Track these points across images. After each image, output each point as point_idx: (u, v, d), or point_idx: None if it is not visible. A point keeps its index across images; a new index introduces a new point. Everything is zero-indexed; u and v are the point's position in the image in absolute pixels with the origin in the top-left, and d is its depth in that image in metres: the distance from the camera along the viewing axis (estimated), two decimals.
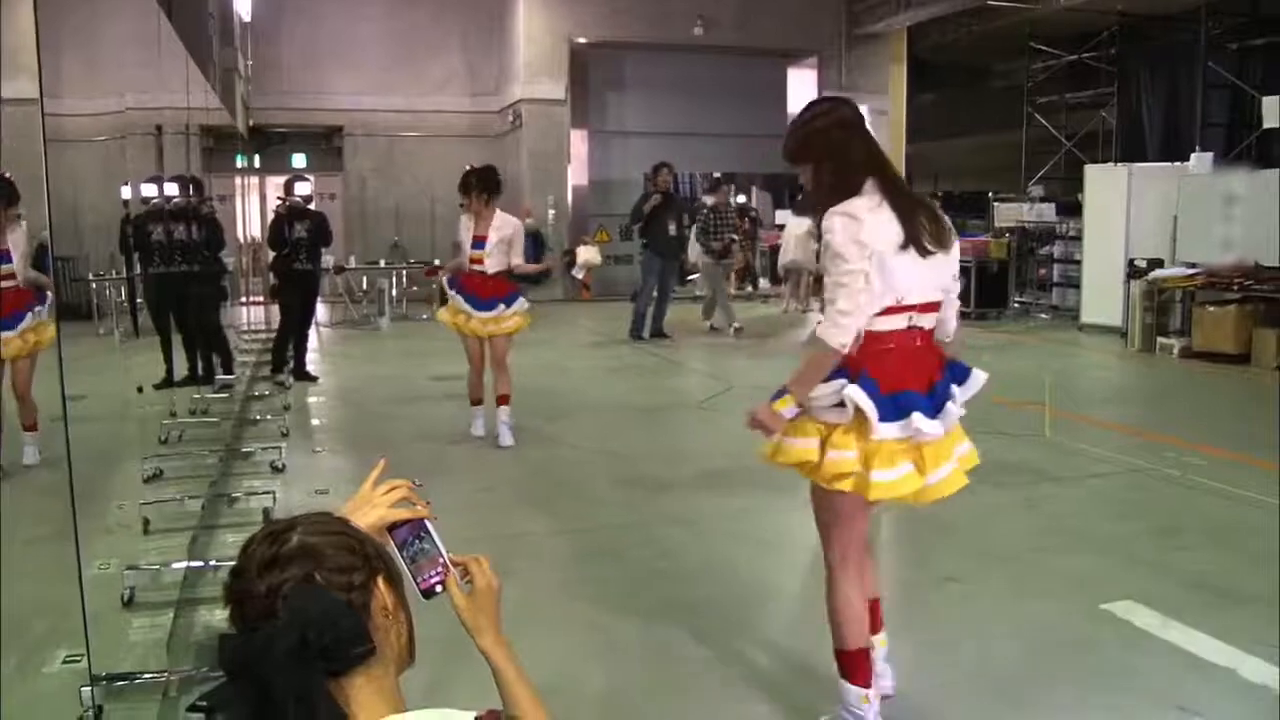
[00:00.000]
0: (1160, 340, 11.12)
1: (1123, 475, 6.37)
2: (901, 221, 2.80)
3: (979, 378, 3.00)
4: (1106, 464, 6.59)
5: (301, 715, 1.18)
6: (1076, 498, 5.91)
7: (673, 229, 12.47)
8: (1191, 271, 11.13)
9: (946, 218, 2.99)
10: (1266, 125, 11.13)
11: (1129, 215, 11.71)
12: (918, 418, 2.77)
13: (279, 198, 10.22)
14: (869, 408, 2.76)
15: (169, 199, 8.17)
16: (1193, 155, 11.53)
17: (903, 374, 2.83)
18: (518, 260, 7.05)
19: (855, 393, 2.77)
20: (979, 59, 21.22)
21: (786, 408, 2.81)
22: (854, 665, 2.95)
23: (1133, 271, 11.65)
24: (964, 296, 13.74)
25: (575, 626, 4.07)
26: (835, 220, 2.77)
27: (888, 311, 2.82)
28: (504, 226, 7.03)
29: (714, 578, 4.61)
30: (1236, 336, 10.58)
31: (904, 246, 2.79)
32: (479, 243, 7.02)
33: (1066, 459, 6.68)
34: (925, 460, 2.87)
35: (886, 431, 2.78)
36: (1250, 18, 12.83)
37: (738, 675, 3.61)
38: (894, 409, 2.78)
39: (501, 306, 6.96)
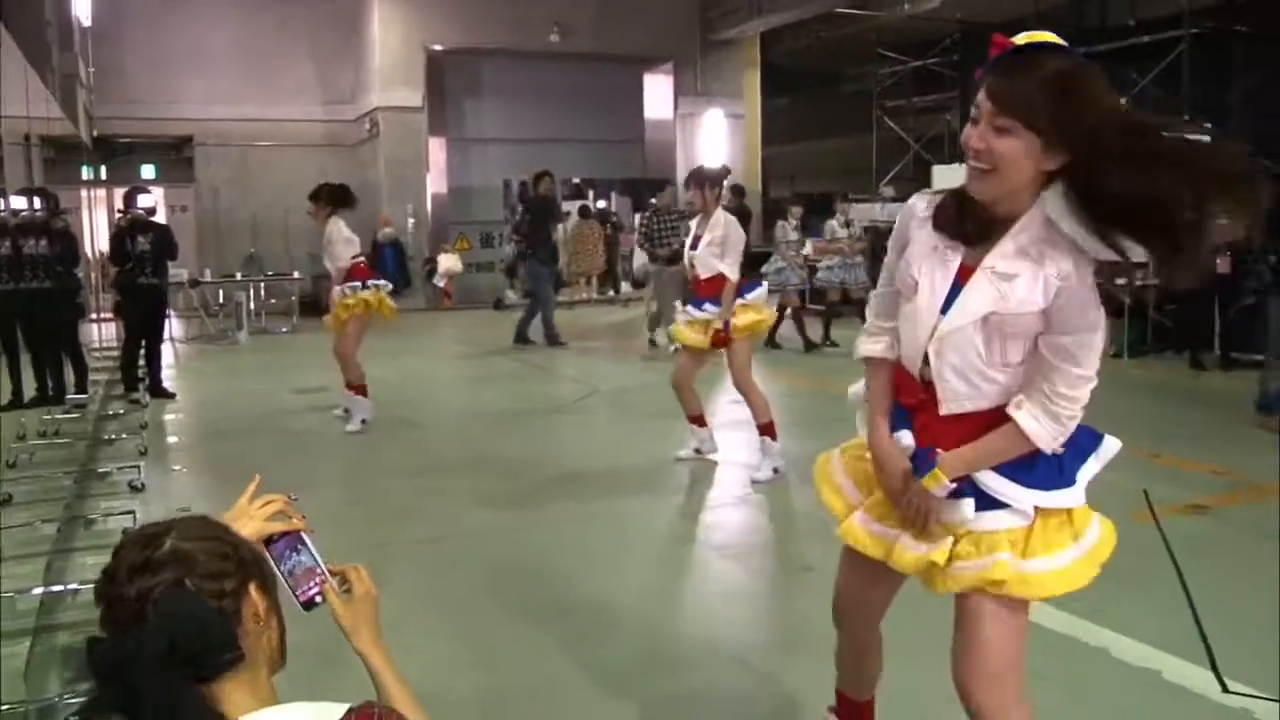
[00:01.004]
0: None
1: None
2: None
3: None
4: None
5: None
6: None
7: (556, 235, 12.80)
8: None
9: None
10: None
11: None
12: None
13: (119, 210, 9.91)
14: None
15: (16, 212, 7.88)
16: None
17: None
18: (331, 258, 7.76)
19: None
20: (830, 64, 21.87)
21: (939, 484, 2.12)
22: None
23: None
24: (819, 295, 14.24)
25: (448, 633, 4.11)
26: (1089, 277, 2.01)
27: None
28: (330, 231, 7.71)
29: (583, 579, 4.69)
30: None
31: None
32: None
33: None
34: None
35: None
36: (1075, 28, 13.58)
37: (609, 674, 3.70)
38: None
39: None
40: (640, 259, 13.48)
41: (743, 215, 14.97)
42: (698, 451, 6.61)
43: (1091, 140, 1.87)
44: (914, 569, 2.19)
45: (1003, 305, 1.99)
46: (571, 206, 19.95)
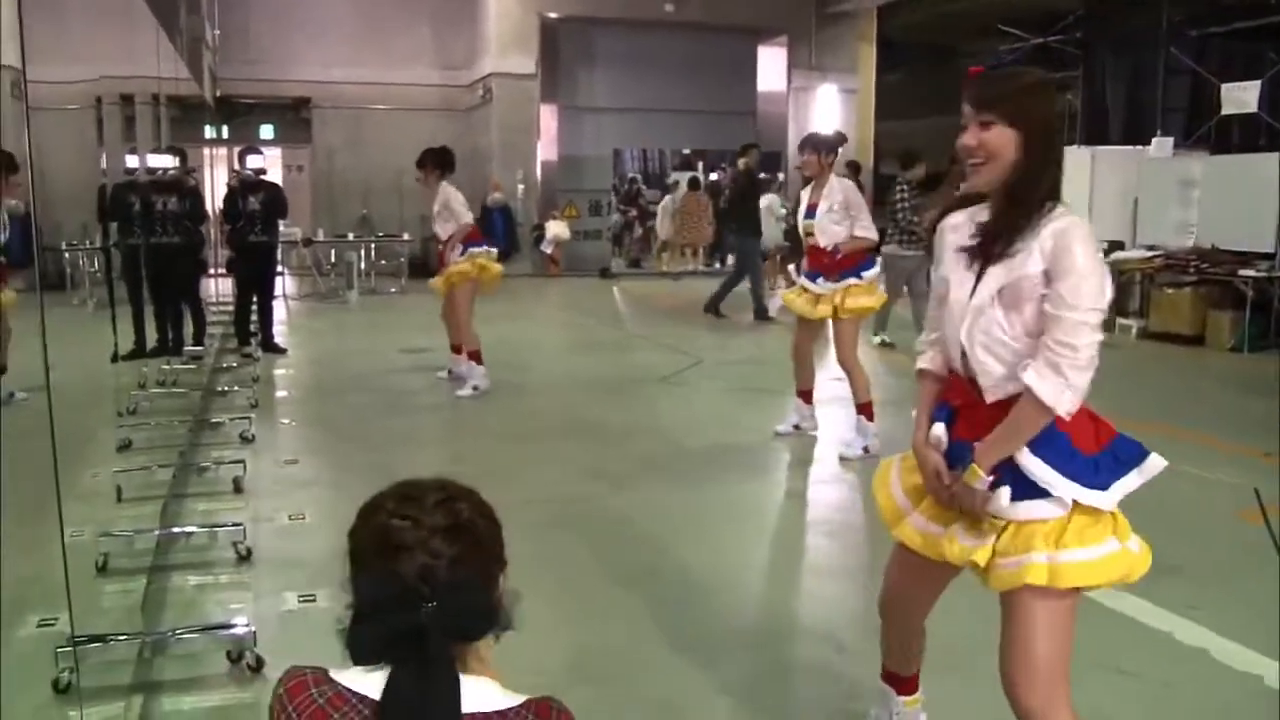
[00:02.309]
0: (1120, 321, 11.32)
1: None
2: None
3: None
4: None
5: (443, 676, 1.30)
6: None
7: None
8: (1150, 254, 11.34)
9: None
10: (1225, 111, 11.34)
11: (1092, 197, 11.90)
12: None
13: (232, 170, 10.21)
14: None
15: (152, 170, 8.18)
16: (1153, 139, 11.73)
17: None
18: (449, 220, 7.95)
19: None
20: (948, 40, 21.36)
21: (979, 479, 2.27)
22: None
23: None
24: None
25: (542, 592, 4.19)
26: (1080, 233, 2.22)
27: None
28: (441, 195, 7.92)
29: (674, 548, 4.74)
30: (1192, 318, 10.82)
31: None
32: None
33: None
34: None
35: None
36: (1210, 5, 13.05)
37: (695, 641, 3.74)
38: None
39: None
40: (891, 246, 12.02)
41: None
42: (797, 427, 6.58)
43: (1047, 131, 2.29)
44: (960, 561, 2.33)
45: (1009, 275, 2.24)
46: (681, 177, 19.97)
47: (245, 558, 4.41)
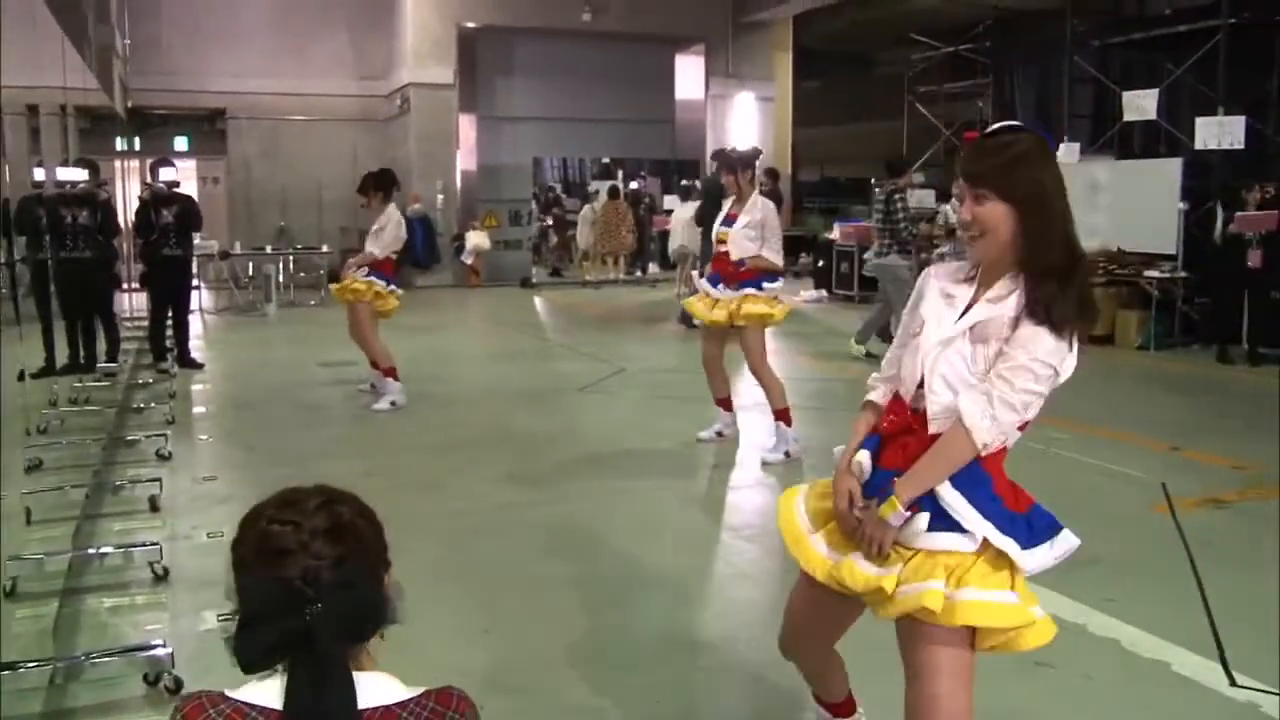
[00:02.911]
0: None
1: None
2: None
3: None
4: None
5: (337, 675, 1.30)
6: None
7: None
8: None
9: None
10: (1126, 118, 11.69)
11: None
12: None
13: (144, 183, 10.00)
14: None
15: (62, 183, 7.98)
16: (1061, 145, 12.03)
17: None
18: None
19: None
20: (862, 49, 21.72)
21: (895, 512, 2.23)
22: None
23: None
24: (847, 280, 14.21)
25: (465, 603, 4.18)
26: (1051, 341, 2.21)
27: None
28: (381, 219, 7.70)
29: (600, 556, 4.75)
30: (1102, 318, 11.12)
31: None
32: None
33: None
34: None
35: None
36: (1112, 16, 13.45)
37: (622, 649, 3.75)
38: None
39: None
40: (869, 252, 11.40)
41: (774, 199, 14.96)
42: (719, 434, 6.63)
43: (1041, 199, 2.23)
44: (863, 587, 2.25)
45: (987, 314, 2.23)
46: (601, 186, 20.01)
47: (162, 577, 4.32)
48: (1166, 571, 4.41)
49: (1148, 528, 5.04)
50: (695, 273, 6.62)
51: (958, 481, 2.20)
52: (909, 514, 2.19)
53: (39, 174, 8.90)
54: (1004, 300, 2.23)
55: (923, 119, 17.72)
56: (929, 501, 2.20)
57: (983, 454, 2.19)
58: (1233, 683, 3.38)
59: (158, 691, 3.35)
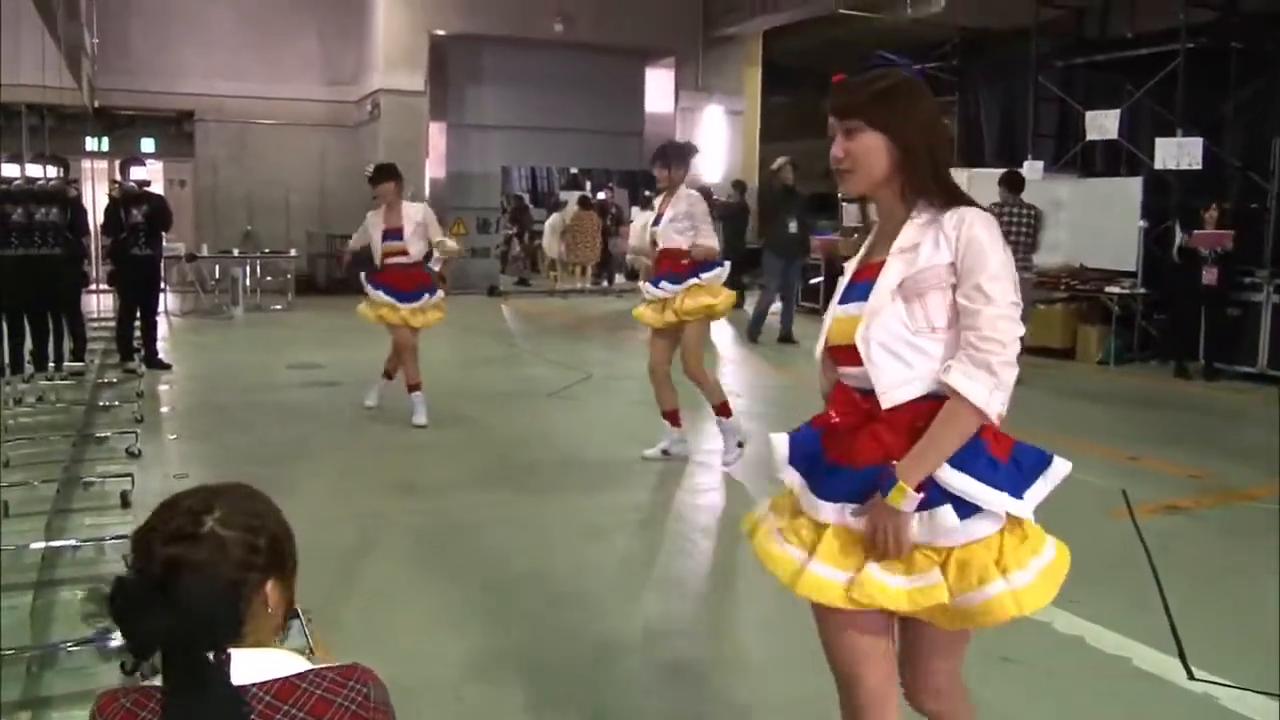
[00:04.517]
0: None
1: None
2: None
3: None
4: None
5: (203, 668, 1.33)
6: None
7: (793, 227, 11.88)
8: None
9: None
10: (1089, 137, 11.91)
11: None
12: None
13: (113, 181, 9.96)
14: None
15: (31, 180, 7.94)
16: (1025, 163, 12.22)
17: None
18: (438, 236, 7.34)
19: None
20: (831, 65, 21.80)
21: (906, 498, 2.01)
22: None
23: None
24: (813, 294, 14.33)
25: (431, 599, 4.23)
26: (984, 220, 2.08)
27: None
28: (416, 214, 7.26)
29: (563, 554, 4.81)
30: (1063, 332, 11.33)
31: None
32: (392, 235, 7.17)
33: None
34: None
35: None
36: (1075, 38, 13.69)
37: (586, 646, 3.81)
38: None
39: (426, 296, 7.25)
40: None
41: (740, 211, 15.10)
42: (665, 452, 6.40)
43: (915, 129, 2.13)
44: (904, 604, 2.03)
45: (910, 269, 2.08)
46: (570, 196, 20.07)
47: None
48: (1127, 574, 4.52)
49: (1109, 532, 5.16)
50: (642, 283, 6.48)
51: (956, 461, 2.02)
52: (920, 496, 1.99)
53: (6, 170, 8.86)
54: (928, 249, 2.07)
55: None
56: (936, 492, 2.01)
57: (996, 423, 2.04)
58: (1191, 676, 3.50)
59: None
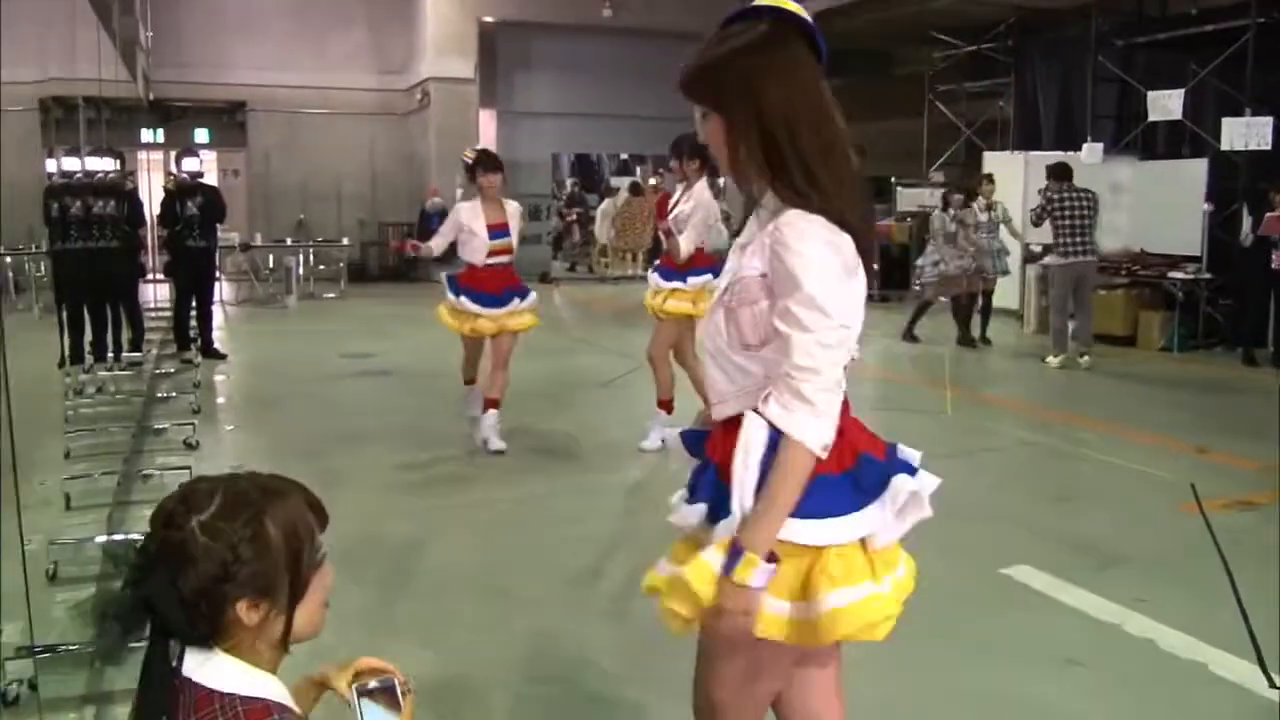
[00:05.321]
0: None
1: (1018, 449, 6.69)
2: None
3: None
4: (1003, 439, 6.91)
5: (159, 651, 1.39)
6: (974, 470, 6.17)
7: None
8: None
9: None
10: (1151, 118, 11.62)
11: (1025, 201, 12.10)
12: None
13: (169, 173, 10.05)
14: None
15: (91, 173, 8.02)
16: (1084, 145, 11.97)
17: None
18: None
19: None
20: (882, 47, 21.64)
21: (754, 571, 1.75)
22: None
23: (1029, 256, 12.10)
24: (868, 279, 14.20)
25: (487, 587, 4.22)
26: (800, 231, 1.80)
27: None
28: (515, 210, 6.50)
29: (617, 546, 4.77)
30: (1124, 319, 11.09)
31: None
32: (499, 232, 6.32)
33: (965, 434, 6.97)
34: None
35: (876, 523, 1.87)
36: (1135, 16, 13.36)
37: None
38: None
39: (516, 300, 6.35)
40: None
41: None
42: (664, 443, 6.12)
43: (745, 101, 1.85)
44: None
45: (734, 275, 1.86)
46: (621, 182, 20.00)
47: None
48: (1197, 572, 4.39)
49: (1176, 528, 5.03)
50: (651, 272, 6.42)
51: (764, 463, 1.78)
52: (773, 566, 1.74)
53: (67, 164, 8.97)
54: (751, 251, 1.83)
55: (943, 118, 17.65)
56: (710, 489, 1.85)
57: (824, 456, 1.76)
58: (1272, 684, 3.36)
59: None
